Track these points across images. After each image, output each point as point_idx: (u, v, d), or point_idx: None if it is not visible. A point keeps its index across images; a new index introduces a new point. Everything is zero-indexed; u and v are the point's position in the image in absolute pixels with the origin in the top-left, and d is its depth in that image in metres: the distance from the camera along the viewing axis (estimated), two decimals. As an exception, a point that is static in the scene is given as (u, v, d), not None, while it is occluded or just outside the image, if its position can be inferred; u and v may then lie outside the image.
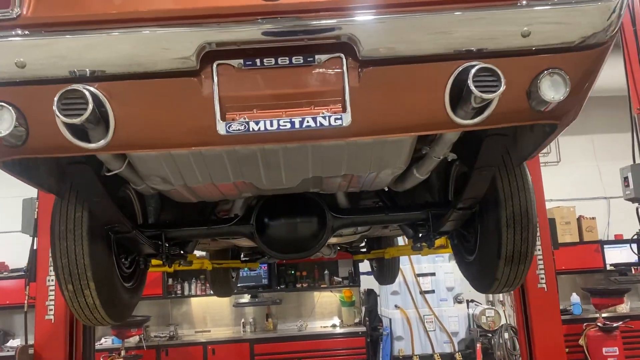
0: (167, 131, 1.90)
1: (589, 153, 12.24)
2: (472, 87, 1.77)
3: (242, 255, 5.97)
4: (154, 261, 4.41)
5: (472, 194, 2.56)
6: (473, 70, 1.79)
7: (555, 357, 4.87)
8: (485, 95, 1.78)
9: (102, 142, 1.88)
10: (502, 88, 1.80)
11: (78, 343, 5.06)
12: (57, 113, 1.75)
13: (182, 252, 3.31)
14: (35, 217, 5.18)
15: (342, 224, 3.12)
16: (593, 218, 11.38)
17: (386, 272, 6.58)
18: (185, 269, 10.64)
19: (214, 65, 1.87)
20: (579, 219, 11.26)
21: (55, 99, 1.75)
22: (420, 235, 3.24)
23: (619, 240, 11.18)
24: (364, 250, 6.43)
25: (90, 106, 1.74)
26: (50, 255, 4.17)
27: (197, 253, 6.43)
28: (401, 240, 6.95)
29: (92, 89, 1.80)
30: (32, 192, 5.24)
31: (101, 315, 2.78)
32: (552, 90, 1.88)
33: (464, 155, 2.55)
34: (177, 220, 3.32)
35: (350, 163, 2.30)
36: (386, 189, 3.34)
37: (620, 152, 12.20)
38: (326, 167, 2.34)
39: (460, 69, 1.85)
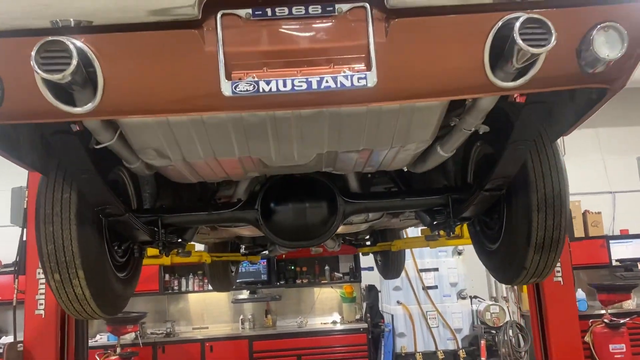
0: (164, 93, 1.64)
1: (594, 146, 12.04)
2: (519, 40, 1.52)
3: (242, 249, 5.72)
4: (150, 251, 4.19)
5: (503, 173, 2.30)
6: (520, 21, 1.55)
7: (572, 356, 4.62)
8: (533, 50, 1.53)
9: (89, 106, 1.63)
10: (553, 42, 1.56)
11: (70, 339, 4.80)
12: (36, 68, 1.50)
13: (180, 240, 3.05)
14: (25, 206, 4.90)
15: (354, 209, 2.87)
16: (599, 213, 11.17)
17: (391, 266, 6.33)
18: (183, 264, 10.46)
19: (218, 16, 1.62)
20: (584, 214, 11.05)
21: (34, 52, 1.49)
22: (438, 222, 2.98)
23: (625, 235, 10.99)
24: (369, 243, 6.19)
25: (75, 61, 1.49)
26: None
27: (196, 247, 6.19)
28: (406, 233, 6.72)
29: (77, 42, 1.55)
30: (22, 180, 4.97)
31: (92, 307, 2.52)
32: (607, 47, 1.64)
33: (490, 130, 2.32)
34: (175, 205, 3.06)
35: (371, 135, 2.04)
36: (402, 171, 3.10)
37: (626, 146, 12.08)
38: (344, 140, 2.08)
39: (503, 20, 1.61)
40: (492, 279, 11.70)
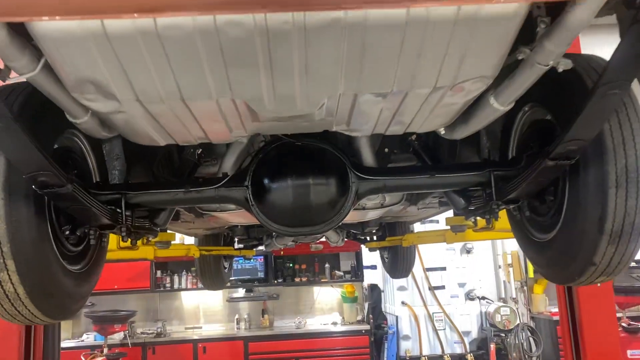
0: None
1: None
2: None
3: (235, 242, 5.12)
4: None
5: (582, 134, 1.69)
6: None
7: (611, 366, 4.02)
8: None
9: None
10: None
11: (37, 343, 4.19)
12: None
13: (150, 225, 2.44)
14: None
15: (370, 188, 2.28)
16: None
17: (400, 263, 5.75)
18: (175, 260, 9.94)
19: None
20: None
21: None
22: (475, 206, 2.38)
23: (643, 234, 10.38)
24: (376, 238, 5.61)
25: None
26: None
27: (185, 240, 5.61)
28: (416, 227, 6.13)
29: None
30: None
31: (28, 309, 1.92)
32: None
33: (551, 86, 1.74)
34: (144, 182, 2.46)
35: (408, 65, 1.43)
36: (426, 143, 2.50)
37: None
38: (369, 74, 1.46)
39: None
40: (501, 279, 11.16)
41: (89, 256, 2.32)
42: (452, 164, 2.50)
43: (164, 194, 2.26)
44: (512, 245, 11.17)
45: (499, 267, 11.27)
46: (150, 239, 2.82)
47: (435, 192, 2.92)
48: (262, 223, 2.32)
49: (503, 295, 11.11)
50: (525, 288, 10.99)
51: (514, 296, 10.90)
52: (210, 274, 5.60)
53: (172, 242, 4.68)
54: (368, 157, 2.40)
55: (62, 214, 2.11)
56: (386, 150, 2.62)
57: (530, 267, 10.55)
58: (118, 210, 2.21)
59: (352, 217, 3.02)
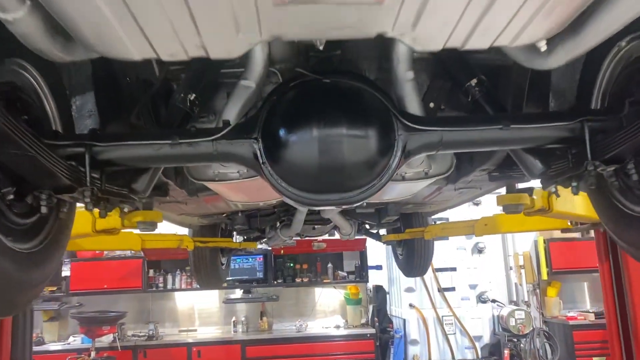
0: None
1: None
2: None
3: (234, 235, 4.53)
4: (103, 223, 3.05)
5: None
6: None
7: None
8: None
9: None
10: None
11: (3, 346, 3.60)
12: None
13: (126, 190, 1.86)
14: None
15: (423, 143, 1.69)
16: None
17: (417, 260, 5.17)
18: (167, 257, 9.32)
19: None
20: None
21: None
22: (558, 169, 1.79)
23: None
24: (379, 232, 5.03)
25: None
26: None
27: (179, 230, 5.02)
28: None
29: None
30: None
31: None
32: None
33: None
34: (118, 132, 1.87)
35: None
36: (489, 91, 1.92)
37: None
38: None
39: None
40: (513, 281, 10.60)
41: (44, 232, 1.74)
42: (531, 113, 1.91)
43: (144, 148, 1.67)
44: (524, 245, 10.63)
45: (510, 268, 10.72)
46: (125, 209, 2.21)
47: (486, 164, 2.34)
48: (276, 188, 1.72)
49: (515, 298, 10.55)
50: (537, 291, 10.45)
51: (526, 299, 10.37)
52: (206, 270, 5.02)
53: (163, 233, 4.11)
54: (414, 105, 1.81)
55: (3, 173, 1.52)
56: (431, 105, 2.04)
57: (544, 269, 10.01)
58: (81, 168, 1.63)
59: (383, 193, 2.43)
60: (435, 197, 3.30)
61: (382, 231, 5.76)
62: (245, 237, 4.41)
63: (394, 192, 2.68)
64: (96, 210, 1.77)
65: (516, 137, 1.74)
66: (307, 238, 5.61)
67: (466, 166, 2.47)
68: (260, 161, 1.68)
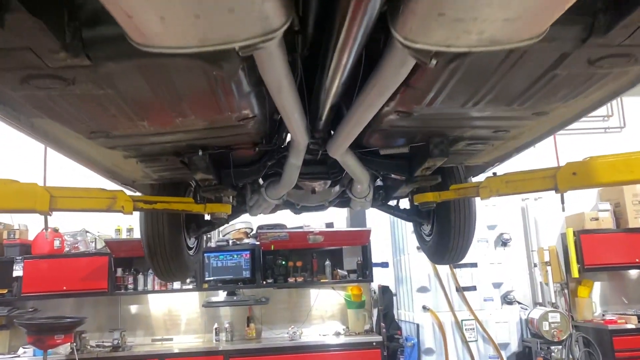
0: None
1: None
2: None
3: (199, 193, 3.08)
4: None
5: None
6: None
7: None
8: None
9: None
10: None
11: None
12: None
13: None
14: None
15: None
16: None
17: (455, 238, 3.75)
18: (139, 255, 7.83)
19: None
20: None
21: None
22: None
23: None
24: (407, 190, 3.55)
25: None
26: None
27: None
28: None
29: None
30: None
31: None
32: None
33: None
34: None
35: None
36: None
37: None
38: None
39: None
40: (537, 279, 9.27)
41: None
42: None
43: None
44: (549, 239, 9.36)
45: (534, 265, 9.40)
46: None
47: None
48: None
49: (540, 300, 9.22)
50: (566, 291, 9.15)
51: (553, 300, 9.04)
52: (164, 254, 3.59)
53: (87, 187, 2.71)
54: None
55: None
56: None
57: (574, 265, 8.69)
58: None
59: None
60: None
61: (403, 204, 4.35)
62: (213, 196, 3.00)
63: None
64: None
65: None
66: (304, 213, 4.18)
67: None
68: None
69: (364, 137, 2.58)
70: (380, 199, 3.87)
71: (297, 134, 2.36)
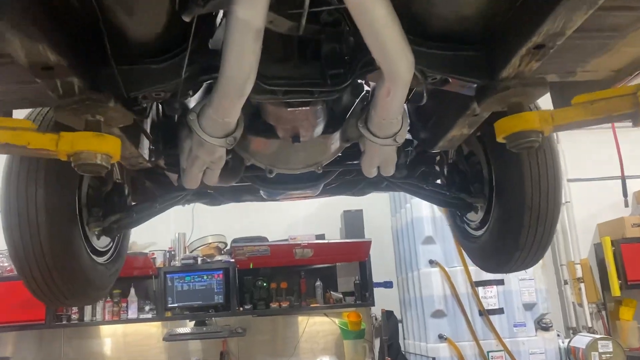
0: None
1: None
2: None
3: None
4: None
5: None
6: None
7: None
8: None
9: None
10: None
11: None
12: None
13: None
14: None
15: None
16: None
17: (530, 228, 2.19)
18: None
19: None
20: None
21: None
22: None
23: None
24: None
25: None
26: None
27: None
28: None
29: None
30: None
31: None
32: None
33: None
34: None
35: None
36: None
37: None
38: None
39: None
40: (570, 300, 7.83)
41: None
42: None
43: None
44: (580, 251, 7.97)
45: (565, 282, 7.97)
46: None
47: None
48: None
49: (574, 324, 7.78)
50: (603, 313, 7.72)
51: (589, 324, 7.61)
52: (39, 253, 2.05)
53: None
54: None
55: None
56: None
57: (614, 282, 7.29)
58: None
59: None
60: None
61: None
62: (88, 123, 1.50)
63: None
64: None
65: None
66: (287, 209, 2.65)
67: None
68: None
69: None
70: (413, 157, 2.36)
71: None
